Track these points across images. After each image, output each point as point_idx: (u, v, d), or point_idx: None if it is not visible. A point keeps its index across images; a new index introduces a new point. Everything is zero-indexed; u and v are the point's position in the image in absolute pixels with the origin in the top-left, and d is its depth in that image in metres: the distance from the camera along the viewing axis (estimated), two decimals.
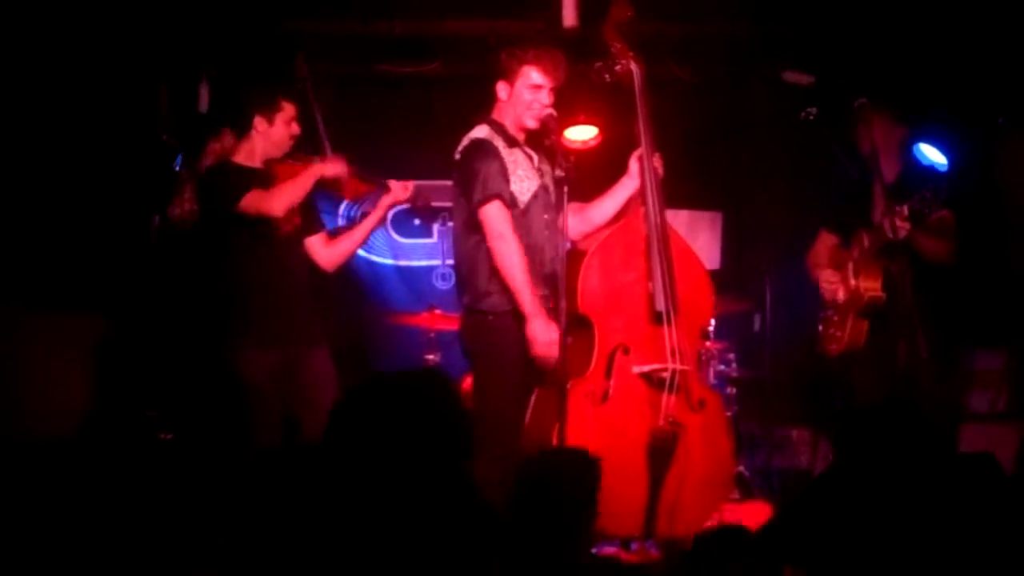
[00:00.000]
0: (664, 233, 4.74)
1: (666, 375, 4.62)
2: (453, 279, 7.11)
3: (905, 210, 4.96)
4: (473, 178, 4.56)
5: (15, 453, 4.82)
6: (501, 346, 4.56)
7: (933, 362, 5.02)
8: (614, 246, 4.72)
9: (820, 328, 5.37)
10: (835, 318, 5.29)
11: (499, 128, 4.66)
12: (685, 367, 4.67)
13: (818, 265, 5.45)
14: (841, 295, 5.28)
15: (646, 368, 4.63)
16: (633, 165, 4.82)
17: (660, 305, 4.65)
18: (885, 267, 5.11)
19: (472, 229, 4.62)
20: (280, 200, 4.76)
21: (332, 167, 4.91)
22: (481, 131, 4.66)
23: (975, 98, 6.24)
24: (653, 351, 4.65)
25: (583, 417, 4.50)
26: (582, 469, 3.39)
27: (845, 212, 5.40)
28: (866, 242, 5.16)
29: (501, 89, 4.66)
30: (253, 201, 4.74)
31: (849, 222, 5.32)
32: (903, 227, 4.96)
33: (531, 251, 4.60)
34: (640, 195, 4.79)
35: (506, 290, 4.55)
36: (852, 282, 5.22)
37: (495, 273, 4.57)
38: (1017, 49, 5.95)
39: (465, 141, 4.66)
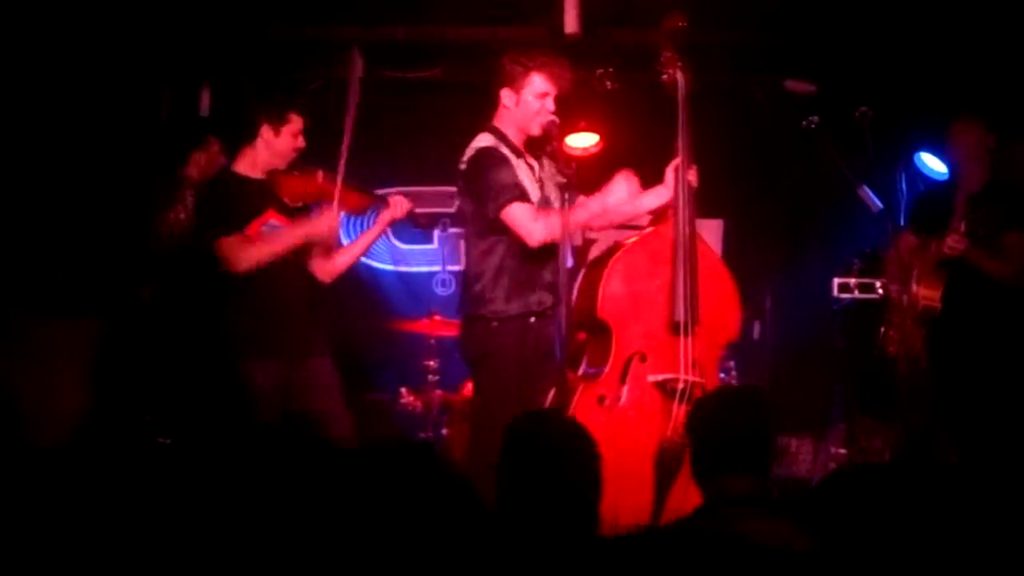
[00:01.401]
0: (692, 245, 4.69)
1: (679, 386, 4.58)
2: (453, 285, 7.17)
3: (962, 227, 4.97)
4: (486, 187, 4.53)
5: (13, 458, 4.81)
6: (503, 351, 4.54)
7: (934, 373, 5.03)
8: (640, 253, 4.70)
9: (881, 329, 5.38)
10: (895, 320, 5.31)
11: (502, 136, 4.64)
12: (699, 380, 4.62)
13: (887, 269, 5.46)
14: (906, 299, 5.28)
15: (660, 377, 4.60)
16: (669, 175, 4.75)
17: (679, 316, 4.61)
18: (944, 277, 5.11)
19: (481, 236, 4.60)
20: (253, 256, 4.74)
21: (321, 225, 4.82)
22: (486, 140, 4.63)
23: (977, 106, 6.23)
24: (670, 361, 4.61)
25: (592, 420, 4.43)
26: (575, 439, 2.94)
27: (927, 216, 5.37)
28: (932, 250, 5.15)
29: (506, 96, 4.63)
30: (228, 248, 4.74)
31: (929, 226, 5.27)
32: (958, 244, 4.96)
33: (536, 259, 4.58)
34: (672, 205, 4.74)
35: (509, 296, 4.54)
36: (914, 288, 5.22)
37: (499, 278, 4.56)
38: (1018, 57, 5.95)
39: (471, 151, 4.62)
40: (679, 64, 4.77)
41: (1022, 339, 5.04)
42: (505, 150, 4.60)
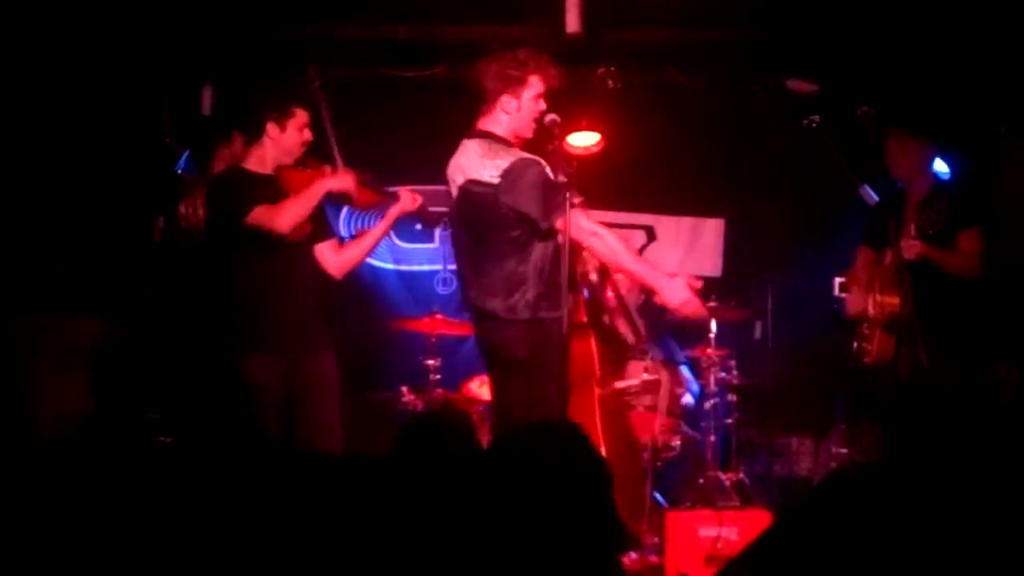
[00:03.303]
0: None
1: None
2: (455, 284, 7.17)
3: (912, 230, 5.18)
4: (534, 195, 4.40)
5: (17, 455, 4.82)
6: (553, 351, 4.44)
7: (936, 373, 5.05)
8: None
9: (855, 343, 5.51)
10: (866, 332, 5.46)
11: (507, 143, 4.55)
12: None
13: (850, 286, 5.65)
14: (872, 310, 5.43)
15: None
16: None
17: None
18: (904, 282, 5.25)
19: (518, 247, 4.47)
20: (287, 216, 4.75)
21: (340, 180, 4.87)
22: (511, 151, 4.49)
23: (978, 106, 6.24)
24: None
25: (590, 421, 4.55)
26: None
27: (880, 228, 5.47)
28: (889, 259, 5.33)
29: (507, 103, 4.53)
30: (260, 217, 4.73)
31: (884, 238, 5.41)
32: (912, 247, 5.17)
33: (556, 263, 4.45)
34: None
35: (552, 296, 4.44)
36: (878, 297, 5.39)
37: (541, 280, 4.47)
38: (1019, 57, 5.96)
39: (505, 164, 4.44)
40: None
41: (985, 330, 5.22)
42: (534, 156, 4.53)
